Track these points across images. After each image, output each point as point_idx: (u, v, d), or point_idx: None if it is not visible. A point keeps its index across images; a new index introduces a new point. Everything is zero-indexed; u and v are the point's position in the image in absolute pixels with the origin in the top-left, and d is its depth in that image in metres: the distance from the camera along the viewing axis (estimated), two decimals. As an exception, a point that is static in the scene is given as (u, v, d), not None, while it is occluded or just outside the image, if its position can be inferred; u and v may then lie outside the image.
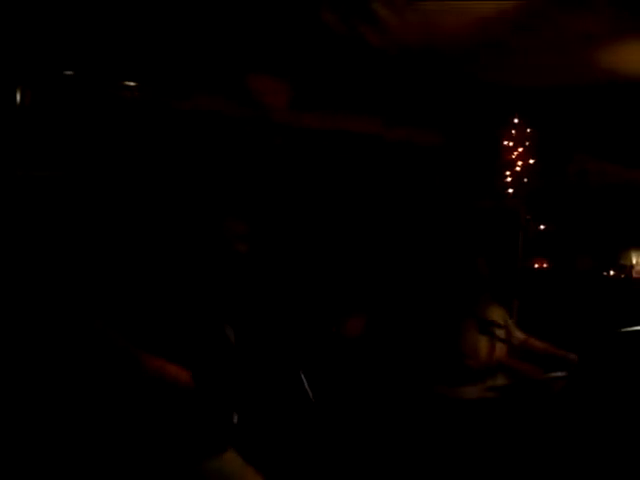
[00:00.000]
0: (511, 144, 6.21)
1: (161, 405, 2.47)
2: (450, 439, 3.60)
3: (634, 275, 5.84)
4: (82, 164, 3.90)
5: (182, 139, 4.43)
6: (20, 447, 2.56)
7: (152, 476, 2.44)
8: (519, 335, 4.27)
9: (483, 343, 3.99)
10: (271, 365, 2.72)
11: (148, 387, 2.45)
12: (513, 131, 6.21)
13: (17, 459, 2.53)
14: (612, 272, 5.91)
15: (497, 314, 4.18)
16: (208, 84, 4.65)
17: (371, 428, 3.53)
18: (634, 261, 5.89)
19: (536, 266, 6.12)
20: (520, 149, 6.18)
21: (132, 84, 4.59)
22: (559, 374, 3.98)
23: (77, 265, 2.73)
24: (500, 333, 4.07)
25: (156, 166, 4.14)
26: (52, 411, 2.51)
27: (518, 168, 6.15)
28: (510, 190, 6.11)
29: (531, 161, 6.15)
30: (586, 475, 3.50)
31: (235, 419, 2.59)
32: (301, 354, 2.71)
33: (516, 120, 6.20)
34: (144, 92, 4.57)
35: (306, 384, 2.65)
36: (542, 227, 6.13)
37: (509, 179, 6.13)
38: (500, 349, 4.05)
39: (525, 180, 6.11)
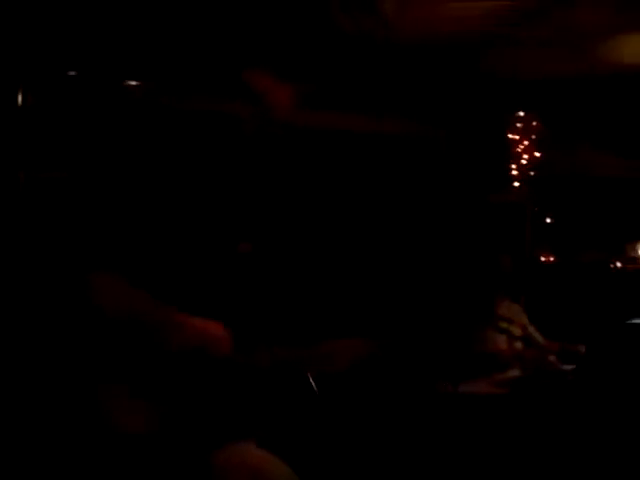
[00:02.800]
0: (517, 137, 6.20)
1: (180, 390, 2.40)
2: (459, 434, 3.59)
3: (642, 267, 5.82)
4: (87, 165, 3.90)
5: (186, 138, 4.42)
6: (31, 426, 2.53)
7: (168, 465, 2.39)
8: (538, 337, 4.26)
9: (496, 338, 3.99)
10: (278, 362, 2.72)
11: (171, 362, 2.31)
12: (519, 124, 6.20)
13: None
14: (620, 264, 5.88)
15: (513, 311, 4.17)
16: (213, 83, 4.64)
17: (380, 423, 3.52)
18: (642, 253, 5.88)
19: (543, 259, 6.10)
20: (526, 142, 6.17)
21: (135, 84, 4.59)
22: (569, 367, 3.98)
23: (81, 266, 2.72)
24: (515, 330, 4.06)
25: (161, 166, 4.13)
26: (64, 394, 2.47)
27: (524, 161, 6.14)
28: (516, 183, 6.10)
29: (537, 154, 6.14)
30: (593, 468, 3.48)
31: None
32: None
33: (522, 113, 6.19)
34: (148, 92, 4.56)
35: (311, 379, 2.66)
36: (548, 220, 6.12)
37: (515, 172, 6.12)
38: (514, 345, 4.04)
39: (531, 173, 6.10)
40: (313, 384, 2.67)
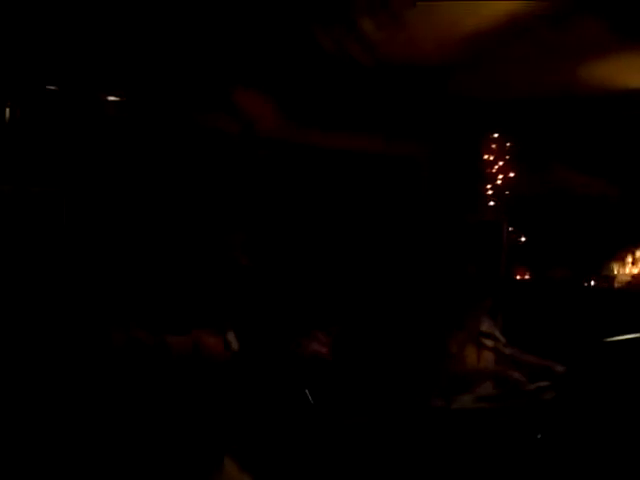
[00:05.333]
0: (491, 158, 6.30)
1: (161, 418, 2.47)
2: (444, 450, 3.61)
3: (616, 285, 5.91)
4: (73, 179, 3.90)
5: (172, 154, 4.43)
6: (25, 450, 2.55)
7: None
8: (505, 349, 4.30)
9: (470, 352, 4.04)
10: (273, 371, 2.74)
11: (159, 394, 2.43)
12: (493, 145, 6.30)
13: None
14: (593, 283, 5.98)
15: (485, 324, 4.23)
16: (196, 99, 4.66)
17: (370, 440, 3.53)
18: (615, 271, 5.97)
19: (518, 277, 6.19)
20: (500, 162, 6.27)
21: (116, 99, 4.60)
22: (544, 384, 4.03)
23: (76, 277, 2.72)
24: (488, 342, 4.11)
25: (147, 180, 4.14)
26: (57, 418, 2.50)
27: (499, 181, 6.24)
28: (492, 203, 6.20)
29: (511, 174, 6.25)
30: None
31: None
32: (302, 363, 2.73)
33: (496, 134, 6.30)
34: (129, 108, 4.57)
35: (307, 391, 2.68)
36: (523, 239, 6.22)
37: (490, 192, 6.22)
38: (487, 358, 4.09)
39: (506, 193, 6.21)
40: (310, 398, 2.69)
